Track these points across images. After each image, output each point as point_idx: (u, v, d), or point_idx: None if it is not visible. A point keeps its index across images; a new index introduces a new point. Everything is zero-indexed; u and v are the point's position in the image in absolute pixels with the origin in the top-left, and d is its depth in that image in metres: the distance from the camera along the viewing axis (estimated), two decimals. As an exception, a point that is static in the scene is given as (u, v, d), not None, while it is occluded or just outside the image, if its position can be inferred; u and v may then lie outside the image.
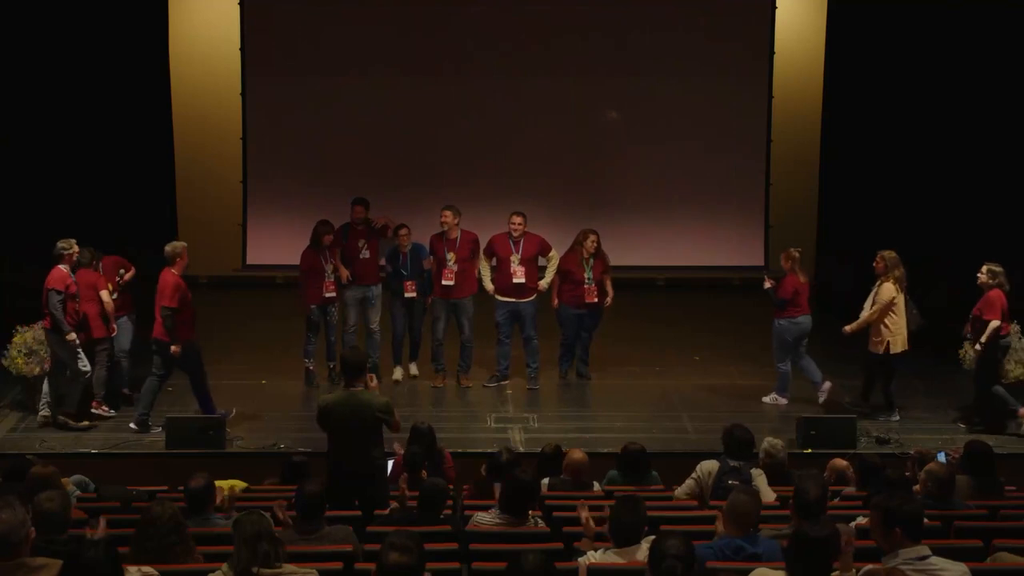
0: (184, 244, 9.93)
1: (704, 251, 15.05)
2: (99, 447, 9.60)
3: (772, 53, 14.73)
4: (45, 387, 10.04)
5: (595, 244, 11.02)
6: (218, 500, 6.62)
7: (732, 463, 7.31)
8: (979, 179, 13.82)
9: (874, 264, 10.16)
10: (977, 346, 9.91)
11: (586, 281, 11.03)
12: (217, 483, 6.91)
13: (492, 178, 14.64)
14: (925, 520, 5.39)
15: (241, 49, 14.64)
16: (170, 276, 9.67)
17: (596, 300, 11.08)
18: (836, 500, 7.24)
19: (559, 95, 14.75)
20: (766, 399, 10.83)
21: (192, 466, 7.54)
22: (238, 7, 14.60)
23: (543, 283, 11.13)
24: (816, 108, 14.84)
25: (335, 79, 14.71)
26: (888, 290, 9.98)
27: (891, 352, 10.08)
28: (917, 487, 6.89)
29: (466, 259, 10.98)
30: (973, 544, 5.90)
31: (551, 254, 11.12)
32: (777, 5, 14.69)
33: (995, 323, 9.79)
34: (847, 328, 10.21)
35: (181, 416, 9.91)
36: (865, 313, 10.12)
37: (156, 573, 4.98)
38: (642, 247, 14.92)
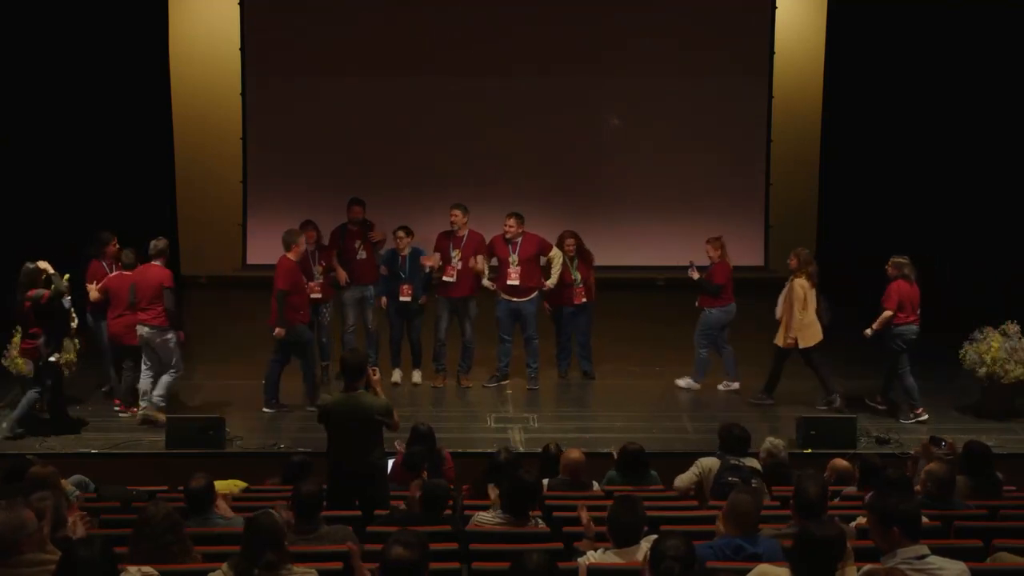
0: (302, 233, 10.45)
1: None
2: (99, 447, 9.60)
3: (772, 53, 14.74)
4: (144, 385, 10.07)
5: (573, 246, 11.11)
6: (220, 509, 6.60)
7: (732, 460, 7.33)
8: (979, 179, 13.82)
9: (788, 261, 10.56)
10: (868, 331, 10.24)
11: (576, 282, 11.07)
12: (217, 483, 6.90)
13: (492, 178, 14.64)
14: (925, 520, 5.39)
15: (241, 49, 14.65)
16: (286, 261, 10.24)
17: (585, 300, 11.17)
18: (836, 500, 7.24)
19: (559, 95, 14.76)
20: (680, 382, 11.22)
21: (192, 466, 7.53)
22: (238, 7, 14.61)
23: (550, 282, 11.05)
24: (816, 108, 14.84)
25: (335, 79, 14.72)
26: (802, 286, 10.34)
27: (800, 346, 10.42)
28: (918, 487, 6.89)
29: (471, 258, 10.96)
30: (973, 544, 5.90)
31: (552, 253, 11.10)
32: (777, 5, 14.70)
33: (888, 313, 10.15)
34: (789, 338, 10.41)
35: (181, 416, 9.92)
36: (780, 308, 10.49)
37: (156, 573, 4.97)
38: (642, 247, 14.93)
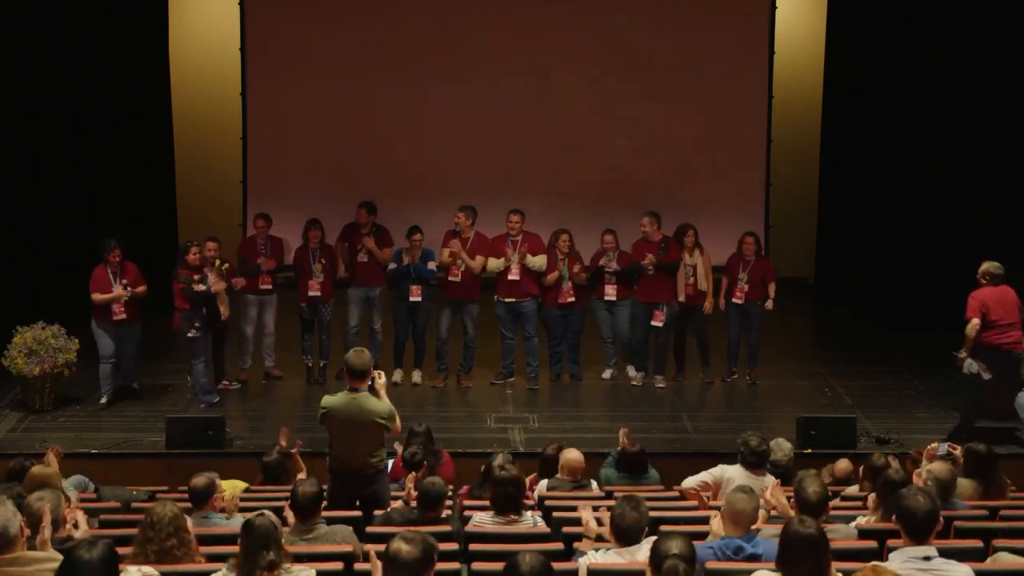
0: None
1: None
2: (99, 447, 9.61)
3: (772, 53, 14.71)
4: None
5: (568, 243, 11.03)
6: (219, 504, 6.59)
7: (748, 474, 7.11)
8: (978, 179, 13.81)
9: (685, 240, 11.11)
10: (768, 303, 11.09)
11: (563, 281, 11.02)
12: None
13: (492, 178, 14.60)
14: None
15: (241, 49, 14.63)
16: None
17: (574, 300, 11.07)
18: (836, 500, 7.23)
19: (559, 95, 14.72)
20: (604, 375, 11.44)
21: (192, 466, 7.54)
22: (238, 7, 14.59)
23: (532, 263, 10.93)
24: (816, 108, 14.84)
25: (335, 79, 14.69)
26: (708, 257, 11.14)
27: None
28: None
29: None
30: (973, 544, 5.89)
31: (537, 256, 11.02)
32: (777, 5, 14.67)
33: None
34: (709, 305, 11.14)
35: (181, 416, 9.93)
36: (706, 281, 11.13)
37: (156, 573, 4.98)
38: (641, 247, 14.88)
